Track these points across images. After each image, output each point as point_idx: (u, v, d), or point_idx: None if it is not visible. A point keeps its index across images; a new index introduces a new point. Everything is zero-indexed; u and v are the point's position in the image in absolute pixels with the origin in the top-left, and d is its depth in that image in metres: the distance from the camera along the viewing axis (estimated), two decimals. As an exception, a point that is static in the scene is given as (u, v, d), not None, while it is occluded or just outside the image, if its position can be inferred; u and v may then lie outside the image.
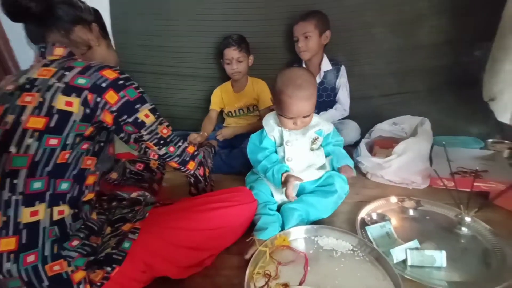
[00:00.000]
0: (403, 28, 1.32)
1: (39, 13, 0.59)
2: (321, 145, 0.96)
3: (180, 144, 0.73)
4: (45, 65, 0.57)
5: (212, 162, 0.94)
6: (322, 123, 0.93)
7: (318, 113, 1.29)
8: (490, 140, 1.21)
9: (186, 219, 0.70)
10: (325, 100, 1.35)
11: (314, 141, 0.92)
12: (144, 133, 0.64)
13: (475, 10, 1.24)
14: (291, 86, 0.81)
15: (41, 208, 0.50)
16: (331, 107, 1.36)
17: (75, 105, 0.53)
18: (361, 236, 0.77)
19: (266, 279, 0.67)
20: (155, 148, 0.68)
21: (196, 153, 0.78)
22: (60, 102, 0.53)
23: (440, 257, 0.68)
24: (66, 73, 0.55)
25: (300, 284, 0.66)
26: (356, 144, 1.19)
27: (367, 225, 0.82)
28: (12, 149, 0.49)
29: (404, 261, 0.70)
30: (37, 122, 0.51)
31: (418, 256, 0.69)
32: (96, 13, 0.73)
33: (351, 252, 0.73)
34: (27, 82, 0.54)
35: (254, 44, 1.39)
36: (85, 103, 0.55)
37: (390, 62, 1.38)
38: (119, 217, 0.66)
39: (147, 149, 0.69)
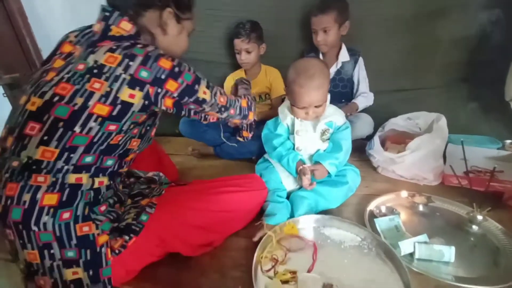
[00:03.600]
0: (421, 22, 1.27)
1: None
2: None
3: (237, 104, 0.77)
4: (111, 50, 0.57)
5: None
6: (335, 115, 0.92)
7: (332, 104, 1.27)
8: (509, 141, 1.18)
9: (198, 200, 0.72)
10: (341, 91, 1.33)
11: (324, 132, 0.92)
12: (206, 107, 0.68)
13: (502, 6, 1.18)
14: (303, 75, 0.82)
15: (84, 176, 0.56)
16: (348, 98, 1.33)
17: (137, 98, 0.58)
18: (369, 228, 0.77)
19: (273, 263, 0.69)
20: (217, 114, 0.73)
21: (250, 103, 0.82)
22: (125, 94, 0.56)
23: (449, 252, 0.68)
24: (130, 63, 0.57)
25: (308, 272, 0.67)
26: (369, 137, 1.17)
27: (376, 217, 0.82)
28: (77, 129, 0.54)
29: (411, 254, 0.70)
30: (102, 109, 0.55)
31: (427, 250, 0.69)
32: None
33: (359, 244, 0.74)
34: (95, 67, 0.56)
35: (268, 32, 1.35)
36: (146, 96, 0.58)
37: (406, 57, 1.34)
38: (138, 191, 0.69)
39: (207, 116, 0.74)
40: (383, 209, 0.86)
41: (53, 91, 0.54)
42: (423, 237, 0.72)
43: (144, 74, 0.57)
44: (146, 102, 0.59)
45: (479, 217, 0.78)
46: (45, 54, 1.62)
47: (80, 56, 0.58)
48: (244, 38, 1.27)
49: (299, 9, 1.35)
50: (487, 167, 0.96)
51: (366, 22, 1.30)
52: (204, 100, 0.66)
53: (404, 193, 0.92)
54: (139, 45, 0.59)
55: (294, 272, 0.66)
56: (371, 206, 0.87)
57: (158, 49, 0.61)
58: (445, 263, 0.68)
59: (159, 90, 0.59)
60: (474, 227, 0.78)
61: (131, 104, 0.57)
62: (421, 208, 0.88)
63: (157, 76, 0.58)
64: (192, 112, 0.69)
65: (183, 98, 0.63)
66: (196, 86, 0.64)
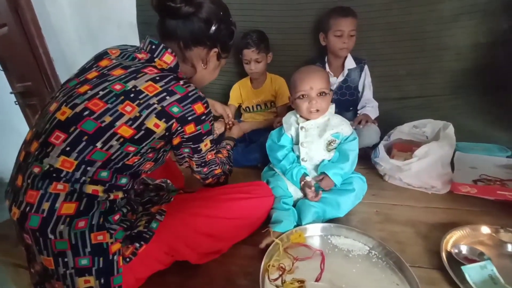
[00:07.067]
0: (428, 29, 1.29)
1: (181, 13, 0.63)
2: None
3: (212, 167, 0.78)
4: (154, 80, 0.60)
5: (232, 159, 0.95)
6: (342, 125, 0.93)
7: (340, 112, 1.28)
8: (519, 148, 1.16)
9: (206, 207, 0.72)
10: (348, 99, 1.33)
11: (330, 143, 0.92)
12: (196, 156, 0.71)
13: (510, 12, 1.19)
14: (301, 68, 0.92)
15: (100, 189, 0.57)
16: (354, 106, 1.34)
17: (160, 128, 0.60)
18: (454, 277, 0.62)
19: (281, 272, 0.68)
20: (194, 166, 0.75)
21: (220, 174, 0.82)
22: (151, 122, 0.58)
23: None
24: (167, 97, 0.60)
25: (316, 281, 0.66)
26: (374, 146, 1.17)
27: (457, 260, 0.66)
28: (99, 145, 0.55)
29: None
30: (126, 131, 0.57)
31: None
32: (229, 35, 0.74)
33: (367, 253, 0.73)
34: (133, 91, 0.58)
35: (274, 40, 1.38)
36: (168, 129, 0.61)
37: (412, 64, 1.35)
38: (148, 199, 0.70)
39: (185, 162, 0.75)
40: (464, 250, 0.67)
41: (84, 105, 0.56)
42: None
43: (175, 109, 0.60)
44: (167, 133, 0.62)
45: None
46: (57, 64, 1.67)
47: (119, 77, 0.59)
48: (254, 49, 1.29)
49: (304, 18, 1.38)
50: (497, 176, 0.95)
51: (373, 28, 1.32)
52: (200, 150, 0.69)
53: (485, 229, 0.74)
54: (181, 82, 0.62)
55: (302, 281, 0.65)
56: (448, 246, 0.70)
57: (198, 91, 0.64)
58: None
59: (179, 128, 0.62)
60: None
61: (154, 132, 0.59)
62: (510, 248, 0.70)
63: (185, 115, 0.61)
64: (184, 154, 0.70)
65: (188, 141, 0.66)
66: (205, 137, 0.67)
